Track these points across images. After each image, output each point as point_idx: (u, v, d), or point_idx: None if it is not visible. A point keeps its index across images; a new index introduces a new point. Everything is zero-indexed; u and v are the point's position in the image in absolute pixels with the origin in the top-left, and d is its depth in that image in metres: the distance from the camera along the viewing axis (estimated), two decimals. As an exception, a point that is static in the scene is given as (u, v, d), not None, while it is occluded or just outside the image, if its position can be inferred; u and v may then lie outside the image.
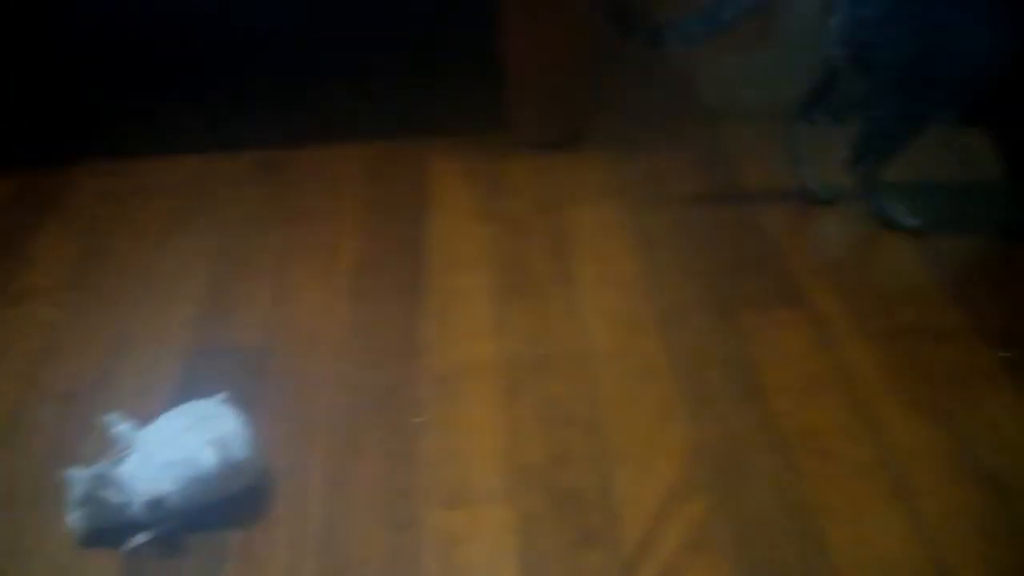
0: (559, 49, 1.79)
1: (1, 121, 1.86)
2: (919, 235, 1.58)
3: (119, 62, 2.03)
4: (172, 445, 1.13)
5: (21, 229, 1.66)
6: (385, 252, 1.59)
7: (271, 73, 2.03)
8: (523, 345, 1.40)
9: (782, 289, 1.49)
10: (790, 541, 1.11)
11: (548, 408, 1.29)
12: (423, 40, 2.02)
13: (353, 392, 1.33)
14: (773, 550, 1.10)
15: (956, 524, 1.12)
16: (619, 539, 1.11)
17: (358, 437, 1.26)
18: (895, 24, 1.50)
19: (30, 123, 1.90)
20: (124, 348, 1.41)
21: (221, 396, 1.20)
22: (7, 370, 1.38)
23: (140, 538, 1.11)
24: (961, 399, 1.28)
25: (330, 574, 1.09)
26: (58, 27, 2.02)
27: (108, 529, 1.11)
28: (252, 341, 1.42)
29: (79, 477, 1.09)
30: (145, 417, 1.18)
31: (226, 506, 1.15)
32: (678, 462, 1.21)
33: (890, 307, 1.44)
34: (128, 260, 1.58)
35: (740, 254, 1.56)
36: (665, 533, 1.12)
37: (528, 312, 1.46)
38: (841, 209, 1.65)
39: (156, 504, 1.10)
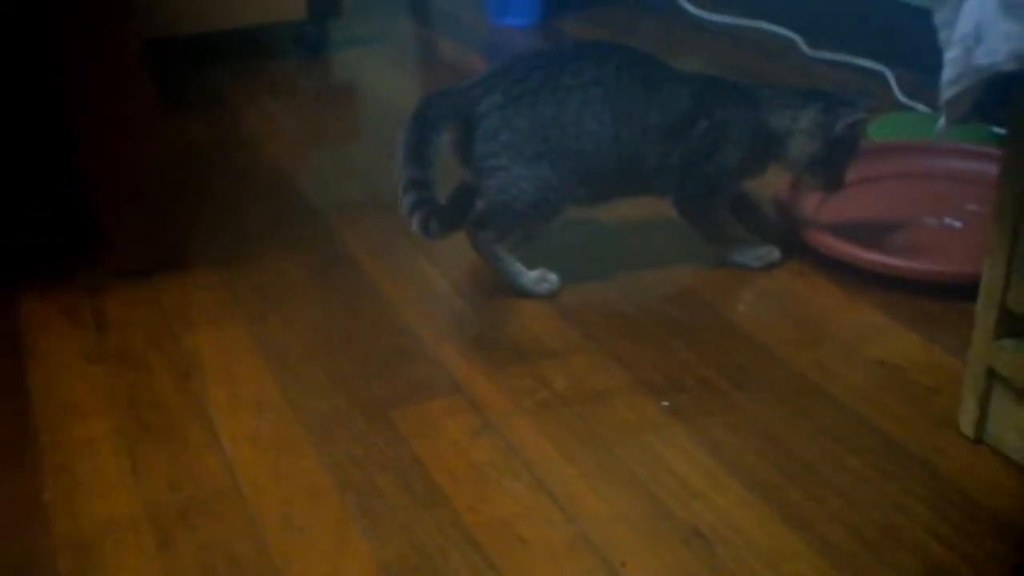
0: (141, 167, 1.65)
1: None
2: (556, 298, 1.56)
3: None
4: None
5: None
6: (-17, 413, 1.38)
7: None
8: (165, 491, 1.24)
9: (433, 380, 1.42)
10: (510, 645, 1.02)
11: (209, 555, 1.14)
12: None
13: (-25, 583, 1.12)
14: (494, 659, 1.00)
15: (669, 587, 1.07)
16: None
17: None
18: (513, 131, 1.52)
19: None
20: None
21: None
22: None
23: None
24: (639, 456, 1.25)
25: None
26: None
27: None
28: None
29: None
30: None
31: None
32: (368, 585, 1.10)
33: (545, 377, 1.40)
34: None
35: (383, 352, 1.47)
36: (374, 667, 1.00)
37: (163, 453, 1.30)
38: (477, 287, 1.61)
39: None
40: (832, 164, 1.59)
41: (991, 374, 1.21)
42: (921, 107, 2.11)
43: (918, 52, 2.08)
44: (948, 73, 1.59)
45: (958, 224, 1.67)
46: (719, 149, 1.55)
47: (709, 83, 1.59)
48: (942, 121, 1.67)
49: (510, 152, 1.52)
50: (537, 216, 1.55)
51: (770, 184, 1.68)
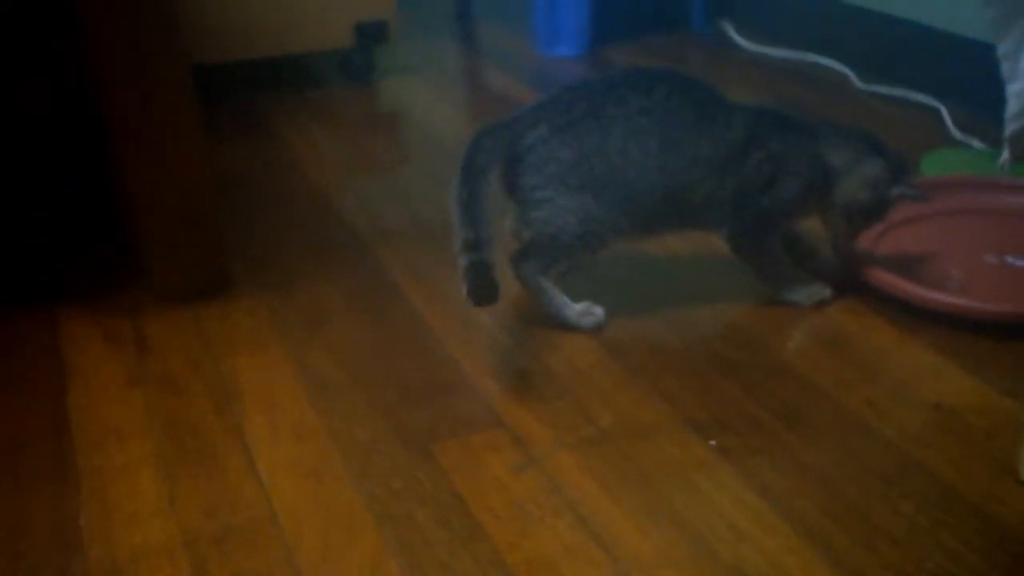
0: (185, 190, 1.64)
1: None
2: (602, 332, 1.53)
3: None
4: None
5: None
6: (23, 436, 1.37)
7: None
8: (202, 518, 1.22)
9: (475, 413, 1.39)
10: None
11: (244, 586, 1.12)
12: (32, 195, 1.81)
13: (7, 607, 1.11)
14: None
15: (715, 633, 1.04)
16: None
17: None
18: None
19: None
20: None
21: None
22: None
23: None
24: (685, 496, 1.22)
25: None
26: None
27: None
28: None
29: None
30: None
31: None
32: (405, 621, 1.07)
33: (590, 413, 1.37)
34: None
35: (424, 382, 1.45)
36: None
37: (201, 479, 1.28)
38: (521, 319, 1.58)
39: None
40: (864, 218, 1.57)
41: (1052, 420, 1.17)
42: (976, 143, 2.07)
43: (973, 87, 2.05)
44: (1013, 107, 1.56)
45: (1020, 263, 1.63)
46: (777, 181, 1.52)
47: (764, 113, 1.56)
48: (1006, 155, 1.63)
49: (555, 184, 1.50)
50: (582, 248, 1.53)
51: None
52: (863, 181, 1.53)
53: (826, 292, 1.58)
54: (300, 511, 1.23)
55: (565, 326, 1.55)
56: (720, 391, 1.40)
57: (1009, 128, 1.59)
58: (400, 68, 2.78)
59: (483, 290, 1.44)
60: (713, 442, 1.30)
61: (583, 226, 1.51)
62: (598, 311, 1.55)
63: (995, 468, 1.24)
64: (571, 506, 1.21)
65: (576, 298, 1.55)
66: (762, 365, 1.46)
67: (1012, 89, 1.58)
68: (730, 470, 1.25)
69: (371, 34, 2.62)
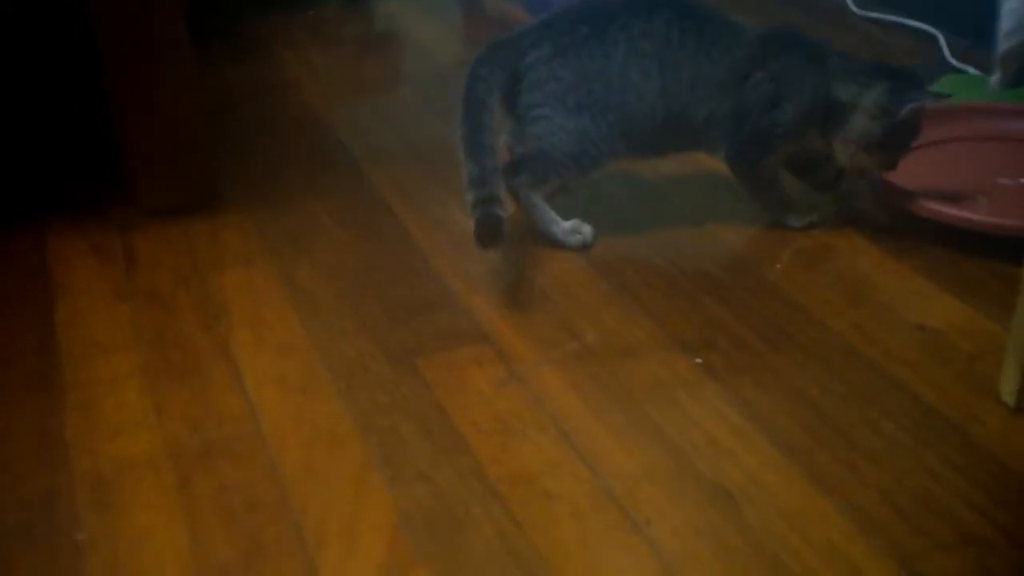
0: (175, 106, 1.64)
1: None
2: (591, 251, 1.54)
3: None
4: None
5: None
6: (10, 348, 1.38)
7: None
8: (187, 431, 1.23)
9: (460, 328, 1.40)
10: (527, 597, 1.00)
11: (227, 497, 1.13)
12: (19, 108, 1.80)
13: (-7, 515, 1.11)
14: (511, 611, 0.98)
15: (694, 545, 1.04)
16: (337, 632, 0.97)
17: (8, 570, 1.04)
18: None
19: None
20: None
21: None
22: None
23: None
24: (668, 412, 1.22)
25: None
26: None
27: None
28: None
29: None
30: None
31: None
32: (386, 533, 1.08)
33: (575, 329, 1.37)
34: None
35: (411, 299, 1.46)
36: (389, 615, 0.98)
37: (186, 393, 1.29)
38: (509, 236, 1.58)
39: None
40: (890, 147, 1.52)
41: (1035, 341, 1.17)
42: (972, 70, 2.05)
43: (970, 14, 2.03)
44: (1006, 24, 1.54)
45: None
46: (777, 104, 1.50)
47: (773, 34, 1.54)
48: (996, 77, 1.62)
49: (553, 102, 1.50)
50: (575, 167, 1.52)
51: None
52: (869, 115, 1.49)
53: (815, 216, 1.58)
54: (285, 425, 1.23)
55: (552, 243, 1.55)
56: (706, 311, 1.40)
57: (1002, 46, 1.57)
58: (395, -12, 2.75)
59: (486, 231, 1.43)
60: (698, 360, 1.31)
61: (577, 145, 1.51)
62: (586, 230, 1.55)
63: (977, 389, 1.24)
64: (554, 421, 1.21)
65: (568, 216, 1.55)
66: (749, 286, 1.46)
67: (1006, 7, 1.55)
68: (714, 388, 1.26)
69: (366, -47, 2.59)
